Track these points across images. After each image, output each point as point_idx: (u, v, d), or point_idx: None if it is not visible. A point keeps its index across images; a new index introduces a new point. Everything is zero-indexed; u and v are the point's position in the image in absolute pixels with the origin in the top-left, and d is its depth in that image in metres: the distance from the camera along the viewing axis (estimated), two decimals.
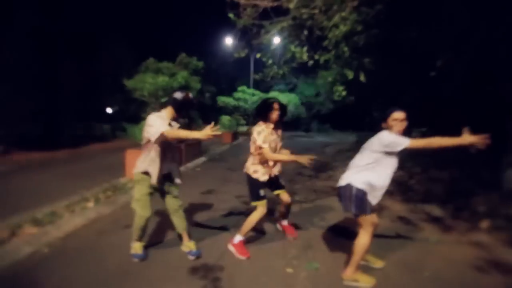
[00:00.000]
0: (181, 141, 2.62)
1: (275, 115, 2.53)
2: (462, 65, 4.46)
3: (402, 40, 4.34)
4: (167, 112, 2.40)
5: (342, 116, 26.00)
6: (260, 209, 2.62)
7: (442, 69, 4.65)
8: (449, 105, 7.95)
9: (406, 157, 7.54)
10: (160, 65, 7.09)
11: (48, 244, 2.63)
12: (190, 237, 2.65)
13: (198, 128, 7.87)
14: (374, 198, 2.17)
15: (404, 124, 2.17)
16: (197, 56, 8.70)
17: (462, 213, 3.99)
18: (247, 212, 3.77)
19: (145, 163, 2.38)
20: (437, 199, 4.67)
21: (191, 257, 2.49)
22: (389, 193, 2.37)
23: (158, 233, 3.03)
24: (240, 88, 21.10)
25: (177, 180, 2.55)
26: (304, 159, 2.33)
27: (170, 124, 2.36)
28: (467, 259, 2.73)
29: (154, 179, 2.34)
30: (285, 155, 2.62)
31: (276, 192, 2.85)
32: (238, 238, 2.65)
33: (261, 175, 2.59)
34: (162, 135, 2.17)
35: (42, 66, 9.45)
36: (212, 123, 2.12)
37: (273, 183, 2.80)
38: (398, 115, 2.15)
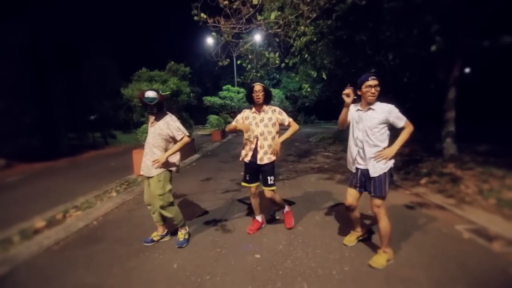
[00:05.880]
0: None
1: (255, 96, 2.69)
2: (403, 59, 5.59)
3: (356, 41, 5.37)
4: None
5: (326, 107, 27.18)
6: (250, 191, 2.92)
7: (392, 61, 5.80)
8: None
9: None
10: (152, 74, 7.83)
11: (95, 219, 3.48)
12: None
13: (190, 129, 8.61)
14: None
15: (377, 91, 2.18)
16: (178, 57, 9.38)
17: (408, 175, 5.14)
18: (242, 189, 4.72)
19: None
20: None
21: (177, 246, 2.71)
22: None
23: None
24: (225, 87, 21.79)
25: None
26: (244, 126, 2.73)
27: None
28: (405, 202, 3.81)
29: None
30: (233, 125, 2.82)
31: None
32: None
33: (244, 156, 2.86)
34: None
35: (35, 80, 9.94)
36: None
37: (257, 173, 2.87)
38: (371, 82, 2.17)
